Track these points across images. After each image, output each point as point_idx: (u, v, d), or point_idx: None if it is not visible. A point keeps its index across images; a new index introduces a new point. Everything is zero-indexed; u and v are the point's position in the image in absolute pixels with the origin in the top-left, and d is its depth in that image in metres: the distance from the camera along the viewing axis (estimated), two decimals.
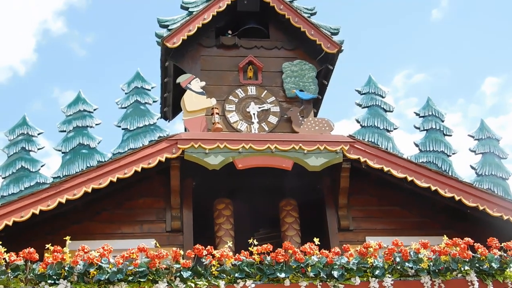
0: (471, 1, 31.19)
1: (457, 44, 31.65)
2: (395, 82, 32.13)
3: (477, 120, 12.21)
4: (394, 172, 10.16)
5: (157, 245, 8.36)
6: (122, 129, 10.72)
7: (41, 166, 10.40)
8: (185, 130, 10.65)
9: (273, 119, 10.87)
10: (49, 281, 7.51)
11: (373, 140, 10.98)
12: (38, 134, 10.73)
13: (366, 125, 11.25)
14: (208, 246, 8.04)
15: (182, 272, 7.79)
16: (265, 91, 11.13)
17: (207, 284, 7.77)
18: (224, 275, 7.90)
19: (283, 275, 7.90)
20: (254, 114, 10.86)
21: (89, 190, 9.40)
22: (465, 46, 31.57)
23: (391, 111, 11.54)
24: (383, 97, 11.63)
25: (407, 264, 8.16)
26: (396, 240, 8.44)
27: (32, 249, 7.73)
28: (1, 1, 30.07)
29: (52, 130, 10.42)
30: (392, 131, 11.28)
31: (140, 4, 31.44)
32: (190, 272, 7.82)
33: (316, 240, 8.34)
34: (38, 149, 10.61)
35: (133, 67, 14.97)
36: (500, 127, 31.46)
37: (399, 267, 8.15)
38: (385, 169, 10.17)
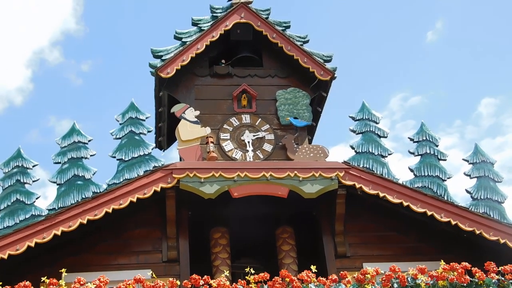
0: (466, 23, 31.41)
1: (453, 66, 31.84)
2: (391, 105, 32.26)
3: (475, 142, 12.20)
4: (390, 198, 10.19)
5: (154, 275, 8.32)
6: (117, 159, 10.69)
7: (36, 199, 10.35)
8: (180, 159, 10.66)
9: (268, 147, 10.90)
10: None
11: (368, 166, 10.98)
12: (33, 166, 10.69)
13: (360, 151, 11.26)
14: (205, 276, 8.01)
15: None
16: (260, 119, 11.17)
17: None
18: None
19: None
20: (248, 142, 10.89)
21: (85, 221, 9.39)
22: (461, 67, 31.75)
23: (385, 137, 11.57)
24: (377, 123, 11.66)
25: None
26: (394, 266, 8.41)
27: (27, 282, 7.69)
28: None
29: (49, 159, 10.46)
30: (386, 156, 11.29)
31: (135, 33, 31.65)
32: None
33: (313, 267, 8.31)
34: (33, 181, 10.57)
35: (128, 96, 15.07)
36: (497, 148, 31.50)
37: None
38: (381, 194, 10.19)
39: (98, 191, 10.18)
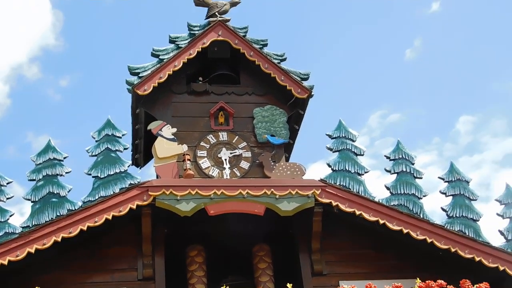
0: (444, 41, 31.78)
1: (431, 83, 32.12)
2: (370, 122, 32.42)
3: (452, 159, 12.31)
4: (366, 216, 10.21)
5: None
6: (93, 177, 10.63)
7: (10, 216, 10.25)
8: (157, 177, 10.60)
9: (244, 165, 10.89)
10: None
11: (344, 184, 11.01)
12: (8, 183, 10.58)
13: (337, 169, 11.29)
14: None
15: None
16: (237, 136, 11.17)
17: None
18: None
19: None
20: (225, 159, 10.87)
21: (59, 239, 9.30)
22: (439, 85, 32.05)
23: (362, 155, 11.62)
24: (353, 141, 11.71)
25: None
26: (370, 284, 8.41)
27: None
28: None
29: (25, 176, 10.54)
30: (363, 174, 11.33)
31: (113, 50, 31.64)
32: None
33: (290, 285, 8.29)
34: (7, 198, 10.45)
35: (106, 112, 14.98)
36: (475, 166, 31.75)
37: None
38: (357, 212, 10.21)
39: (73, 209, 10.11)
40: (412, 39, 32.49)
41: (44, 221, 9.95)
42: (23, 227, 10.05)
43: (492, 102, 31.64)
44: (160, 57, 11.54)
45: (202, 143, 10.97)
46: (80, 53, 32.14)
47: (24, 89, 32.44)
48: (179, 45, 11.65)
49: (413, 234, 10.16)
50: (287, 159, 11.67)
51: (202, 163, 10.78)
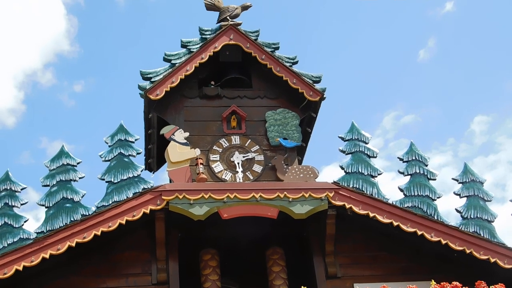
0: (458, 41, 31.64)
1: (445, 84, 31.99)
2: (384, 123, 32.29)
3: (467, 160, 12.26)
4: (380, 218, 10.18)
5: None
6: (106, 182, 10.67)
7: (25, 222, 10.30)
8: (170, 181, 10.63)
9: (257, 168, 10.89)
10: None
11: (357, 186, 10.99)
12: (22, 189, 10.65)
13: (350, 171, 11.27)
14: None
15: None
16: (249, 140, 11.18)
17: None
18: None
19: None
20: (238, 163, 10.88)
21: (73, 244, 9.33)
22: (453, 85, 31.90)
23: (375, 157, 11.59)
24: (366, 143, 11.69)
25: None
26: (384, 286, 8.38)
27: None
28: None
29: (39, 181, 10.63)
30: (376, 176, 11.31)
31: (127, 55, 31.77)
32: None
33: None
34: (22, 204, 10.52)
35: (119, 117, 15.05)
36: (490, 166, 31.52)
37: None
38: (371, 215, 10.18)
39: (87, 214, 10.15)
40: (426, 39, 32.36)
41: (58, 227, 9.99)
42: (37, 233, 10.09)
43: (507, 101, 31.45)
44: (172, 61, 11.59)
45: (214, 147, 10.99)
46: (94, 59, 32.34)
47: (39, 95, 32.66)
48: (191, 50, 11.68)
49: (427, 235, 10.12)
50: (300, 162, 11.66)
51: (215, 167, 10.79)
